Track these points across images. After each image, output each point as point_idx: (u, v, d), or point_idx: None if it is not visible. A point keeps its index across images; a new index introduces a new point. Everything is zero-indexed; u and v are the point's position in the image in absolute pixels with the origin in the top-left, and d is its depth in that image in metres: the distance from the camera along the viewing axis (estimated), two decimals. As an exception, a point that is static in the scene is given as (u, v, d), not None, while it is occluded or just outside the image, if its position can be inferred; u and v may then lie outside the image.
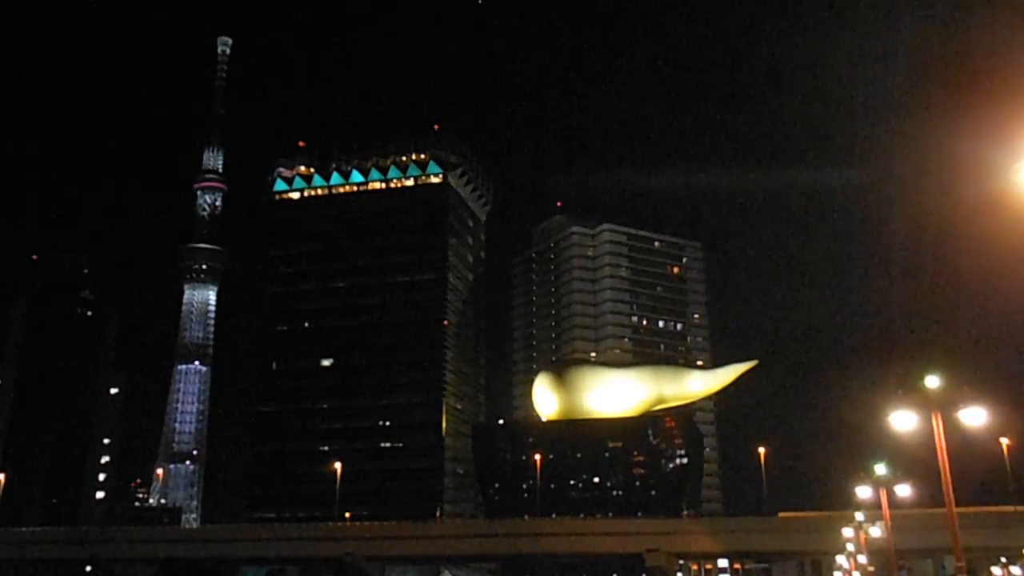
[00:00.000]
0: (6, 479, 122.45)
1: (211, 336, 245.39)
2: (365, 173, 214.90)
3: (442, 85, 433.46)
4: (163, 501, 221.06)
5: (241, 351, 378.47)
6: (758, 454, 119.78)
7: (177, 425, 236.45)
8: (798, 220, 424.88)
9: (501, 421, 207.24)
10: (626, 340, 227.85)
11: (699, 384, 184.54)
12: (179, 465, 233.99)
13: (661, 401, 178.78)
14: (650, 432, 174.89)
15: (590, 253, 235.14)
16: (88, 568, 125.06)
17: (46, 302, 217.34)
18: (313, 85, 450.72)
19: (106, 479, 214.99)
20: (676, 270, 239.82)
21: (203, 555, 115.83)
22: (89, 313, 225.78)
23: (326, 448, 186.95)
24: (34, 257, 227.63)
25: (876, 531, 50.03)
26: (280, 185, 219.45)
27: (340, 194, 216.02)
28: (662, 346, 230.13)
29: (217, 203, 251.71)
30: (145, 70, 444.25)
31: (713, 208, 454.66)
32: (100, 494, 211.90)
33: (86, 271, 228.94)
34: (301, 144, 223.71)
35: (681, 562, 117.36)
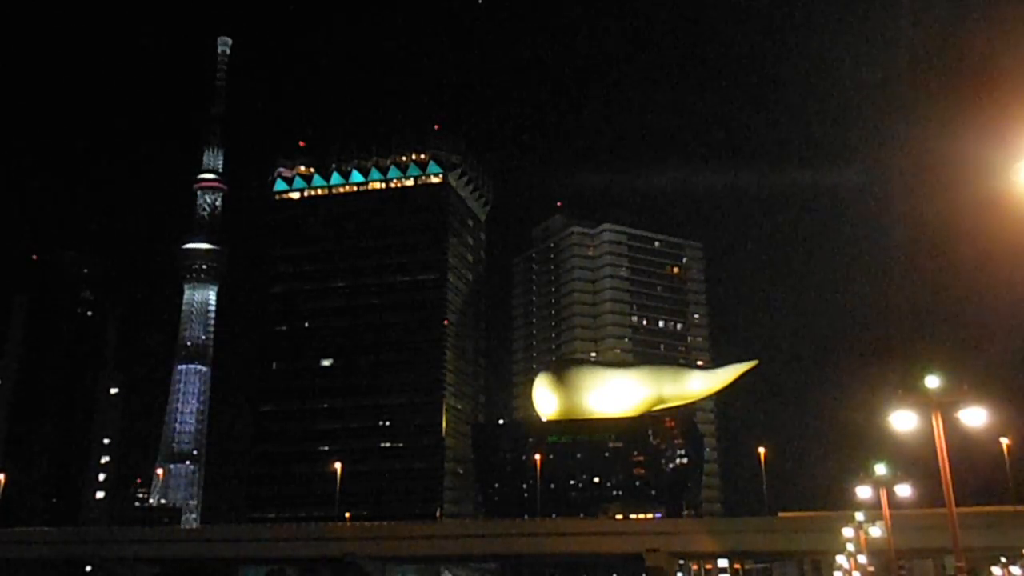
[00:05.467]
0: (6, 479, 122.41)
1: (211, 336, 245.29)
2: (365, 173, 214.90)
3: (442, 85, 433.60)
4: (163, 501, 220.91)
5: (241, 351, 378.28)
6: (758, 454, 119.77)
7: (177, 425, 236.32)
8: (798, 220, 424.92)
9: (501, 421, 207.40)
10: (626, 340, 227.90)
11: (699, 384, 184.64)
12: (179, 465, 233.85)
13: (661, 401, 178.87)
14: (650, 432, 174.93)
15: (590, 253, 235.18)
16: (88, 568, 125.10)
17: (46, 302, 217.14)
18: (313, 85, 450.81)
19: (106, 479, 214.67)
20: (676, 270, 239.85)
21: (203, 555, 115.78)
22: (89, 313, 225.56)
23: (326, 448, 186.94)
24: (34, 257, 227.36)
25: (876, 531, 50.00)
26: (280, 185, 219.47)
27: (340, 194, 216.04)
28: (662, 346, 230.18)
29: (217, 203, 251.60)
30: (145, 70, 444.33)
31: (713, 208, 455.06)
32: (100, 494, 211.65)
33: (86, 271, 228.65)
34: (301, 144, 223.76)
35: (681, 562, 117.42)
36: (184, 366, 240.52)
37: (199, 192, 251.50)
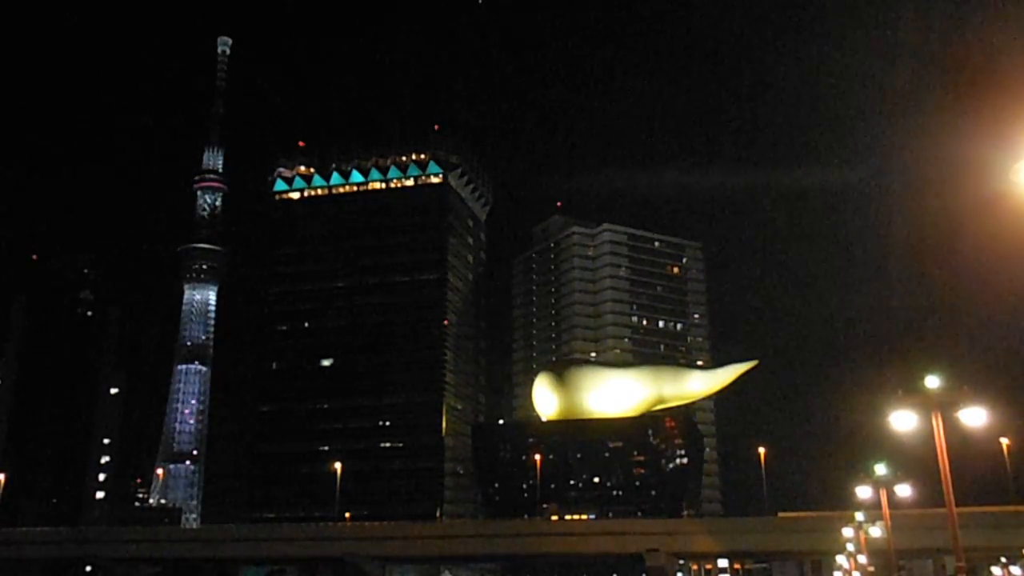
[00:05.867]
0: (6, 479, 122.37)
1: (211, 336, 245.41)
2: (365, 173, 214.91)
3: (442, 85, 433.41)
4: (163, 501, 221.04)
5: (241, 351, 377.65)
6: (758, 454, 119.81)
7: (177, 425, 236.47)
8: (798, 220, 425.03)
9: (501, 421, 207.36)
10: (626, 340, 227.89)
11: (699, 384, 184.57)
12: (179, 465, 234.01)
13: (661, 401, 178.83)
14: (650, 432, 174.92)
15: (590, 253, 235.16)
16: (88, 568, 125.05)
17: (46, 302, 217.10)
18: (313, 85, 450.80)
19: (106, 479, 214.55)
20: (676, 270, 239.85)
21: (203, 555, 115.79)
22: (89, 313, 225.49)
23: (326, 448, 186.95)
24: (34, 257, 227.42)
25: (876, 531, 49.98)
26: (280, 185, 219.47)
27: (340, 194, 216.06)
28: (662, 346, 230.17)
29: (217, 203, 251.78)
30: (145, 70, 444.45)
31: (713, 208, 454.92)
32: (100, 494, 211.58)
33: (86, 271, 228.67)
34: (301, 144, 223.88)
35: (681, 562, 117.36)
36: (184, 366, 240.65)
37: (199, 192, 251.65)
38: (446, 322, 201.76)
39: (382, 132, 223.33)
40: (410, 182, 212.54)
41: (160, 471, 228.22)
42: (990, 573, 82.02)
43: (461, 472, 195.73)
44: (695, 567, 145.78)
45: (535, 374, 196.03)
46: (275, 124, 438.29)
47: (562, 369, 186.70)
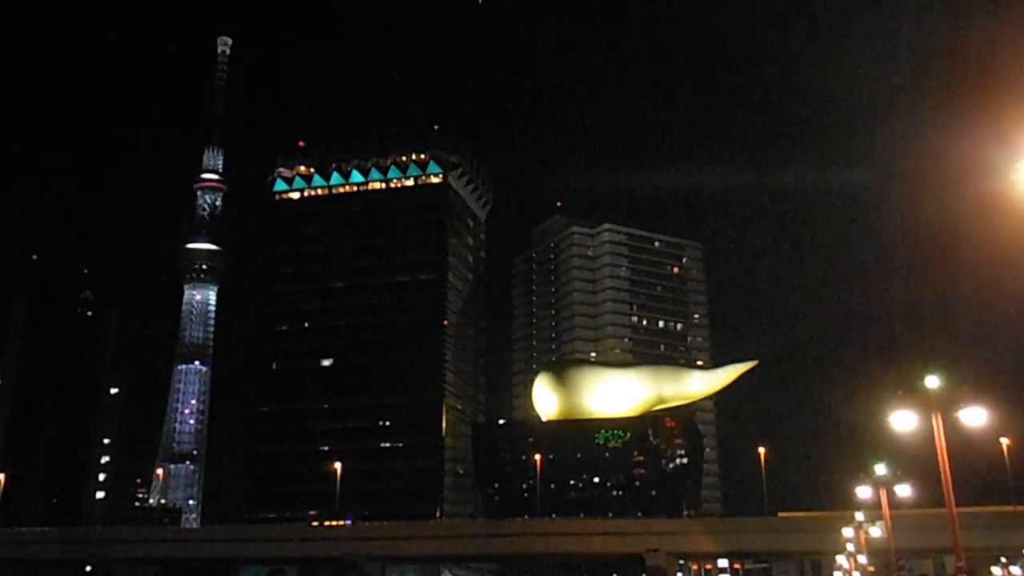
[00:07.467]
0: (6, 479, 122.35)
1: (211, 336, 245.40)
2: (365, 173, 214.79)
3: (442, 85, 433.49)
4: (163, 501, 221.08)
5: (241, 351, 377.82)
6: (758, 454, 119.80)
7: (177, 425, 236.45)
8: (798, 220, 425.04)
9: (501, 421, 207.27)
10: (626, 340, 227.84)
11: (699, 384, 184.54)
12: (179, 465, 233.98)
13: (661, 401, 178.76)
14: (650, 432, 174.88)
15: (590, 253, 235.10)
16: (88, 568, 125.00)
17: (46, 302, 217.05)
18: (313, 85, 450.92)
19: (106, 479, 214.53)
20: (676, 270, 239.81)
21: (203, 555, 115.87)
22: (89, 313, 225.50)
23: (326, 448, 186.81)
24: (34, 257, 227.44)
25: (876, 531, 50.01)
26: (280, 185, 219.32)
27: (340, 194, 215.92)
28: (662, 346, 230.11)
29: (217, 203, 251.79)
30: (145, 70, 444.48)
31: (713, 208, 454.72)
32: (100, 494, 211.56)
33: (86, 271, 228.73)
34: (301, 144, 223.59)
35: (681, 562, 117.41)
36: (184, 366, 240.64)
37: (199, 192, 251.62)
38: (446, 322, 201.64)
39: (382, 132, 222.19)
40: (410, 182, 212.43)
41: (160, 471, 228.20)
42: (990, 573, 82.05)
43: (461, 472, 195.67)
44: (695, 567, 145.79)
45: (535, 374, 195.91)
46: (275, 124, 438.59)
47: (562, 369, 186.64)
